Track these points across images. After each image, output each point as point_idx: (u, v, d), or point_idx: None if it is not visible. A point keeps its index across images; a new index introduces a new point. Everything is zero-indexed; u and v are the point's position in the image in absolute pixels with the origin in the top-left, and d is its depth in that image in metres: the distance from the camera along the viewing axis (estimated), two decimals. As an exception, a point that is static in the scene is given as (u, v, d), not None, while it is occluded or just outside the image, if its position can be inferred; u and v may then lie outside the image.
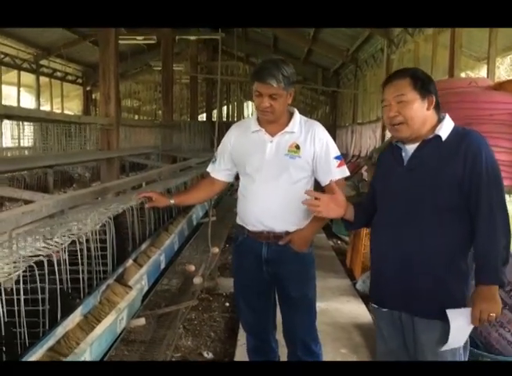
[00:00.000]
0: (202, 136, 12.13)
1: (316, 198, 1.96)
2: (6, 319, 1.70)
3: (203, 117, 16.72)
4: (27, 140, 7.13)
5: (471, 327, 1.75)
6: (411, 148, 1.88)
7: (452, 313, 1.74)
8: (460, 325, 1.74)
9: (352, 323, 3.72)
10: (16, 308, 1.76)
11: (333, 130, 13.75)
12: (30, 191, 3.85)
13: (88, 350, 1.96)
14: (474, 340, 2.79)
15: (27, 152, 7.31)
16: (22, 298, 1.75)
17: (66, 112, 14.67)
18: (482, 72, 6.05)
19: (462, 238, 1.79)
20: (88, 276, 2.30)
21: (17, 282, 1.76)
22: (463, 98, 3.51)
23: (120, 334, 2.77)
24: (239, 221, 2.39)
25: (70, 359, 1.82)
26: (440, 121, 1.86)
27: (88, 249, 2.31)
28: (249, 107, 17.67)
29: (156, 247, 3.47)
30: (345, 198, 2.02)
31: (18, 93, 13.02)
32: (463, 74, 5.94)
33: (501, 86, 3.66)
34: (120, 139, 6.01)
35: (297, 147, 2.23)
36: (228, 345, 3.52)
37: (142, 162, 7.85)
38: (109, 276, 2.54)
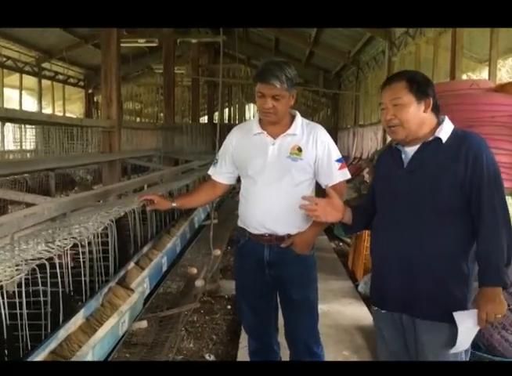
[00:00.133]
0: (204, 139, 12.14)
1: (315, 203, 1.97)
2: (8, 323, 1.70)
3: (204, 119, 16.74)
4: (29, 143, 7.17)
5: (477, 328, 1.75)
6: (411, 150, 1.88)
7: (459, 316, 1.74)
8: (468, 327, 1.74)
9: (354, 325, 3.71)
10: (18, 311, 1.76)
11: (334, 132, 13.77)
12: (32, 194, 3.85)
13: (90, 353, 1.96)
14: (476, 342, 2.78)
15: (28, 155, 7.34)
16: (24, 301, 1.75)
17: (68, 115, 14.70)
18: (484, 74, 6.05)
19: (462, 239, 1.79)
20: (90, 278, 2.31)
21: (19, 285, 1.76)
22: (464, 100, 3.51)
23: (122, 336, 2.77)
24: (240, 223, 2.39)
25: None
26: (439, 123, 1.86)
27: (90, 252, 2.32)
28: (250, 109, 17.70)
29: (158, 249, 3.48)
30: (345, 201, 2.03)
31: (20, 96, 13.07)
32: (464, 76, 5.94)
33: (502, 88, 3.66)
34: (122, 142, 6.02)
35: (299, 150, 2.23)
36: (231, 348, 3.51)
37: (144, 165, 7.87)
38: (111, 279, 2.54)
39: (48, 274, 1.87)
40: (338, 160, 2.28)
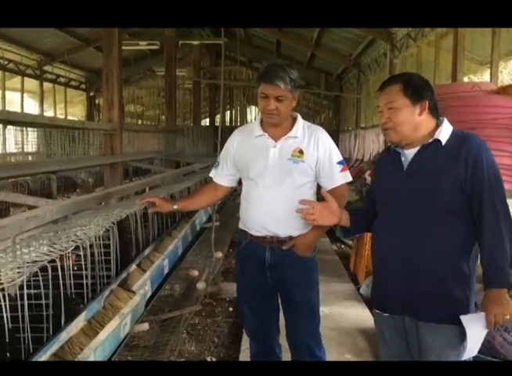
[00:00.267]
0: (205, 141, 12.16)
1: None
2: (10, 325, 1.70)
3: (206, 121, 16.78)
4: (31, 146, 7.19)
5: (485, 331, 1.75)
6: (410, 153, 1.88)
7: (466, 320, 1.73)
8: (476, 331, 1.73)
9: (356, 327, 3.70)
10: (20, 313, 1.76)
11: (336, 134, 13.79)
12: (33, 197, 3.86)
13: (92, 355, 1.96)
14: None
15: (30, 157, 7.36)
16: (26, 303, 1.75)
17: (69, 118, 14.74)
18: (485, 76, 6.04)
19: (463, 240, 1.79)
20: (92, 281, 2.31)
21: (21, 287, 1.76)
22: (465, 102, 3.52)
23: (124, 339, 2.76)
24: (241, 226, 2.39)
25: (73, 364, 1.82)
26: (438, 125, 1.86)
27: (92, 254, 2.32)
28: (252, 112, 17.72)
29: (159, 252, 3.48)
30: (347, 203, 2.02)
31: (21, 99, 13.10)
32: (465, 78, 5.94)
33: (504, 90, 3.66)
34: (123, 144, 6.03)
35: (301, 152, 2.23)
36: (232, 350, 3.51)
37: (146, 167, 7.87)
38: (112, 282, 2.54)
39: (50, 276, 1.87)
40: (339, 163, 2.28)
